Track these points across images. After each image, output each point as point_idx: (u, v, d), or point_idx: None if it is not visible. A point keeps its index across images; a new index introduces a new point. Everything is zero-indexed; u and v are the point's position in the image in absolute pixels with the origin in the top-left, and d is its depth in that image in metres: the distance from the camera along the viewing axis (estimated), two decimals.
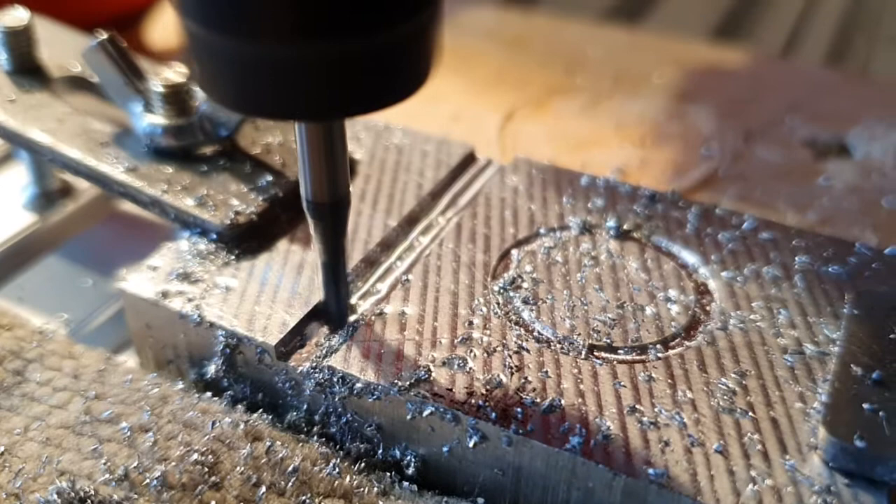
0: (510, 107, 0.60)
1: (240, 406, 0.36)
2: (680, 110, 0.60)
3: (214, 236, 0.40)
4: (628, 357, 0.35)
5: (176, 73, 0.43)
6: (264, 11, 0.26)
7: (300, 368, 0.35)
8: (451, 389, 0.33)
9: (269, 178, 0.42)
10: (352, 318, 0.36)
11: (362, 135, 0.48)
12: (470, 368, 0.34)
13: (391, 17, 0.27)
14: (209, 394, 0.36)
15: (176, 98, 0.42)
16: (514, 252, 0.40)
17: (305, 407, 0.36)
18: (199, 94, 0.44)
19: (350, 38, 0.26)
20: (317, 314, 0.37)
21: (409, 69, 0.29)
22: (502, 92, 0.62)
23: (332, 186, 0.32)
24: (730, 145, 0.56)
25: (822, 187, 0.52)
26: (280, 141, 0.45)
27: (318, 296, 0.37)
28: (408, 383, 0.33)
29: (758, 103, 0.61)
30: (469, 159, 0.47)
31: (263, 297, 0.37)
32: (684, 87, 0.63)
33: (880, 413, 0.30)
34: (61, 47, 0.50)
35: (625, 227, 0.41)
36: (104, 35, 0.43)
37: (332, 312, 0.37)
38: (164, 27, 0.77)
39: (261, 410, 0.36)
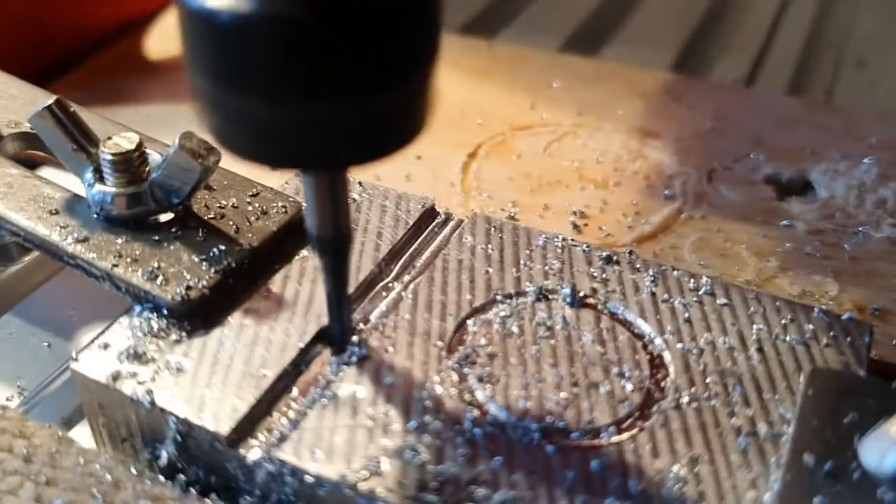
0: (473, 144, 0.59)
1: (193, 491, 0.35)
2: (643, 146, 0.59)
3: (166, 312, 0.39)
4: (581, 442, 0.34)
5: (126, 139, 0.42)
6: (275, 77, 0.27)
7: (250, 458, 0.34)
8: (402, 483, 0.32)
9: (222, 246, 0.41)
10: (354, 339, 0.39)
11: None
12: (422, 459, 0.33)
13: (393, 80, 0.28)
14: (162, 478, 0.36)
15: (126, 166, 0.41)
16: (471, 322, 0.40)
17: (259, 493, 0.35)
18: (152, 159, 0.43)
19: (353, 99, 0.28)
20: (320, 338, 0.39)
21: (409, 121, 0.31)
22: (466, 129, 0.61)
23: (335, 223, 0.35)
24: (692, 185, 0.56)
25: (785, 229, 0.52)
26: (234, 203, 0.44)
27: (273, 374, 0.37)
28: (358, 479, 0.33)
29: (722, 137, 0.60)
30: (428, 214, 0.47)
31: (215, 378, 0.37)
32: (648, 120, 0.62)
33: None
34: (11, 101, 0.49)
35: (581, 293, 0.41)
36: (51, 100, 0.42)
37: (336, 336, 0.39)
38: (163, 37, 0.76)
39: (214, 495, 0.35)
